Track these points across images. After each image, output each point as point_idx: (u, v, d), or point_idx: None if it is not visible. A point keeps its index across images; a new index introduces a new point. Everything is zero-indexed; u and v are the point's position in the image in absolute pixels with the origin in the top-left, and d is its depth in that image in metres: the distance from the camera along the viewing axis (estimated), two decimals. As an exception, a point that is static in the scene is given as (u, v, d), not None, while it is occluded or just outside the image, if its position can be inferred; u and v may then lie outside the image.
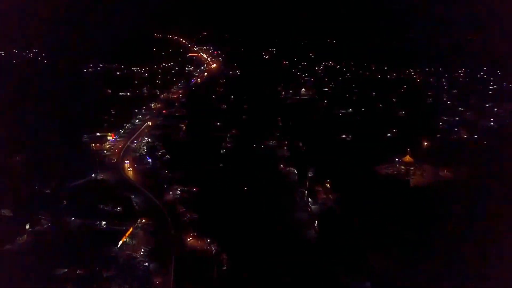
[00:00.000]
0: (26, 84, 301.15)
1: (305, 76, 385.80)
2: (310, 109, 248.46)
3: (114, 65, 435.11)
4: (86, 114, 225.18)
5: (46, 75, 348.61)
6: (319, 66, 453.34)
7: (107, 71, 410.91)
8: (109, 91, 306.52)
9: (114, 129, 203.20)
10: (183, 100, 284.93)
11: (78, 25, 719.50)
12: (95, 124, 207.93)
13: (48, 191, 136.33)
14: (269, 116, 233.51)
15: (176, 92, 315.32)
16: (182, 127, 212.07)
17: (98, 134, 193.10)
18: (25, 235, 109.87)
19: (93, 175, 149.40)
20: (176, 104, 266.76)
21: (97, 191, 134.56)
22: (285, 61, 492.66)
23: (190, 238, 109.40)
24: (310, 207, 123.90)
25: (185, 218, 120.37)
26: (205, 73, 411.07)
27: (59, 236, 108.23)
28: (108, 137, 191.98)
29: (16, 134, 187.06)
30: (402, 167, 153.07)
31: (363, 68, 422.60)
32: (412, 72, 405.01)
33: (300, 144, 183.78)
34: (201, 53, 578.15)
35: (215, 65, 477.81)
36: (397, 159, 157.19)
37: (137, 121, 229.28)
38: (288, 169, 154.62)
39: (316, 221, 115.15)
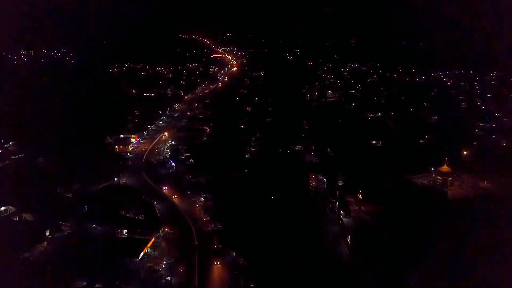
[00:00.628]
0: (51, 84, 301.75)
1: (330, 78, 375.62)
2: (337, 113, 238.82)
3: (139, 65, 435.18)
4: (110, 114, 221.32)
5: (72, 75, 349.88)
6: (344, 68, 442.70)
7: (132, 71, 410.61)
8: (134, 91, 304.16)
9: (138, 130, 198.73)
10: (207, 101, 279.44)
11: (104, 25, 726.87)
12: (119, 125, 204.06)
13: (70, 195, 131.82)
14: (295, 119, 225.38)
15: (200, 93, 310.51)
16: (206, 129, 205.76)
17: (122, 136, 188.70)
18: (45, 243, 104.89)
19: (115, 178, 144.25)
20: (200, 106, 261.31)
21: (119, 196, 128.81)
22: (310, 62, 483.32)
23: (215, 251, 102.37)
24: (341, 220, 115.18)
25: (209, 228, 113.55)
26: (229, 74, 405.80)
27: (79, 245, 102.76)
28: (132, 139, 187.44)
29: (40, 134, 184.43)
30: (439, 177, 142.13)
31: (389, 70, 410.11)
32: (441, 74, 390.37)
33: (328, 149, 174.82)
34: (225, 54, 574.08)
35: (238, 65, 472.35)
36: (433, 168, 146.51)
37: (161, 122, 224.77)
38: (316, 176, 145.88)
39: (348, 236, 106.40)
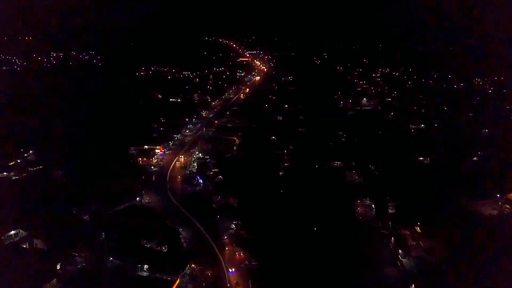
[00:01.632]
0: (76, 88, 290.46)
1: (362, 84, 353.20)
2: (376, 123, 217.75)
3: (165, 69, 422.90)
4: (134, 122, 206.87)
5: (98, 79, 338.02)
6: (375, 73, 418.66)
7: (159, 74, 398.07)
8: (160, 96, 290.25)
9: (163, 140, 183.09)
10: (234, 108, 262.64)
11: (132, 27, 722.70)
12: (144, 134, 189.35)
13: (86, 216, 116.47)
14: (329, 129, 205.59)
15: (228, 99, 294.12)
16: (235, 140, 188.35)
17: (146, 147, 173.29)
18: (54, 280, 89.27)
19: (137, 198, 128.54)
20: (228, 113, 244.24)
21: (140, 221, 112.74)
22: (339, 67, 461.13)
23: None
24: (400, 260, 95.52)
25: (243, 265, 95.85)
26: (257, 79, 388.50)
27: (92, 285, 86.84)
28: (156, 151, 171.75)
29: (61, 142, 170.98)
30: (507, 206, 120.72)
31: (423, 76, 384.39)
32: (479, 81, 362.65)
33: (372, 166, 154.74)
34: (251, 58, 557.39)
35: (266, 70, 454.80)
36: (498, 195, 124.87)
37: (187, 131, 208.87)
38: (362, 201, 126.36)
39: (413, 286, 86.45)
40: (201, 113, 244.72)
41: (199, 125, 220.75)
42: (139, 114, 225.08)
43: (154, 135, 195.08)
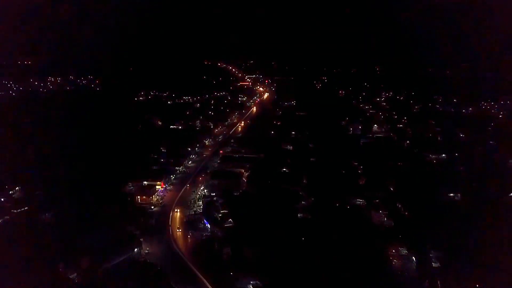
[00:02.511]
0: (70, 116, 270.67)
1: (369, 108, 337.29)
2: (392, 152, 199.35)
3: (165, 93, 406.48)
4: (133, 153, 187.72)
5: (94, 105, 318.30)
6: (379, 97, 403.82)
7: (158, 99, 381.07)
8: (160, 123, 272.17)
9: (163, 174, 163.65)
10: (239, 135, 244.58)
11: (130, 51, 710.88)
12: (142, 166, 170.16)
13: (74, 275, 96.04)
14: (343, 159, 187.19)
15: (231, 125, 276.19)
16: (243, 173, 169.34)
17: (145, 182, 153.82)
18: None
19: (135, 249, 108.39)
20: (232, 141, 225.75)
21: (138, 279, 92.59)
22: (341, 91, 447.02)
23: None
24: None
25: None
26: (259, 103, 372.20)
27: None
28: (157, 187, 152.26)
29: (49, 180, 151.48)
30: None
31: (429, 100, 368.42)
32: (486, 105, 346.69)
33: (399, 205, 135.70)
34: (251, 82, 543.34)
35: (267, 94, 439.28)
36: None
37: (190, 162, 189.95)
38: (397, 250, 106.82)
39: None
40: (204, 141, 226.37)
41: (203, 155, 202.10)
42: (138, 143, 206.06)
43: (154, 167, 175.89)
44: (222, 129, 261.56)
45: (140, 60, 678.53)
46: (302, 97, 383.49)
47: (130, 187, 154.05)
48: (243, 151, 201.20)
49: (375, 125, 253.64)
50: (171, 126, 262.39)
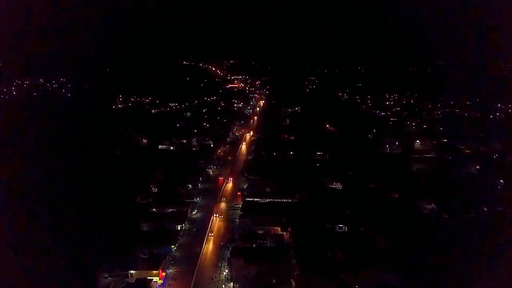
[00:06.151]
0: (18, 135, 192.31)
1: (384, 114, 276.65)
2: (468, 186, 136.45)
3: (147, 99, 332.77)
4: (108, 206, 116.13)
5: (59, 118, 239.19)
6: (386, 100, 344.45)
7: (139, 107, 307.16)
8: (145, 140, 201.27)
9: (159, 246, 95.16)
10: (250, 158, 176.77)
11: (104, 52, 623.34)
12: (122, 234, 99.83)
13: None
14: (413, 201, 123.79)
15: (235, 142, 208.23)
16: (283, 237, 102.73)
17: (131, 272, 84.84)
18: None
19: None
20: (246, 170, 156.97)
21: None
22: (341, 93, 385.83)
23: None
24: None
25: None
26: (259, 110, 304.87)
27: None
28: (153, 279, 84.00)
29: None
30: None
31: (444, 103, 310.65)
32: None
33: None
34: (240, 84, 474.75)
35: (263, 98, 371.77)
36: None
37: (194, 212, 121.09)
38: None
39: None
40: (208, 170, 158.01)
41: (211, 195, 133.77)
42: (116, 182, 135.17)
43: (144, 228, 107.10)
44: (225, 149, 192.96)
45: (116, 60, 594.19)
46: (304, 101, 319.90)
47: (105, 278, 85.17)
48: (267, 189, 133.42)
49: (417, 141, 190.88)
50: (160, 146, 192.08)
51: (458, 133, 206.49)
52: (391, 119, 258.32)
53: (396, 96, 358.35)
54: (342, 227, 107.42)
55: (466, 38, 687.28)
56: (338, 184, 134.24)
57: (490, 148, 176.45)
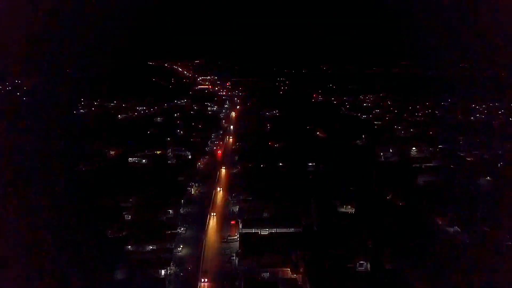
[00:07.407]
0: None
1: (366, 117, 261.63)
2: (483, 200, 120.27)
3: (112, 103, 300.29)
4: (70, 247, 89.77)
5: (10, 129, 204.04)
6: (363, 101, 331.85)
7: (104, 112, 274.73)
8: (112, 153, 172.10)
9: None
10: (235, 171, 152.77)
11: (64, 51, 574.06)
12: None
13: None
14: (433, 224, 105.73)
15: (215, 152, 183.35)
16: (290, 278, 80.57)
17: None
18: None
19: None
20: (235, 189, 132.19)
21: None
22: (317, 95, 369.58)
23: None
24: None
25: None
26: (235, 114, 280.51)
27: None
28: None
29: None
30: None
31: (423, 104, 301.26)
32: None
33: None
34: (211, 85, 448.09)
35: (237, 100, 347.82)
36: None
37: (179, 249, 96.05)
38: None
39: None
40: (188, 189, 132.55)
41: (198, 225, 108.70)
42: (78, 212, 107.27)
43: (118, 276, 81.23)
44: (205, 160, 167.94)
45: (77, 60, 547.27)
46: (280, 104, 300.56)
47: None
48: (265, 214, 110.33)
49: (414, 148, 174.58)
50: (131, 159, 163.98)
51: (450, 137, 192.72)
52: (375, 122, 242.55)
53: (371, 98, 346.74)
54: (363, 264, 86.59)
55: (434, 34, 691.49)
56: (349, 207, 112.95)
57: (492, 154, 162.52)
